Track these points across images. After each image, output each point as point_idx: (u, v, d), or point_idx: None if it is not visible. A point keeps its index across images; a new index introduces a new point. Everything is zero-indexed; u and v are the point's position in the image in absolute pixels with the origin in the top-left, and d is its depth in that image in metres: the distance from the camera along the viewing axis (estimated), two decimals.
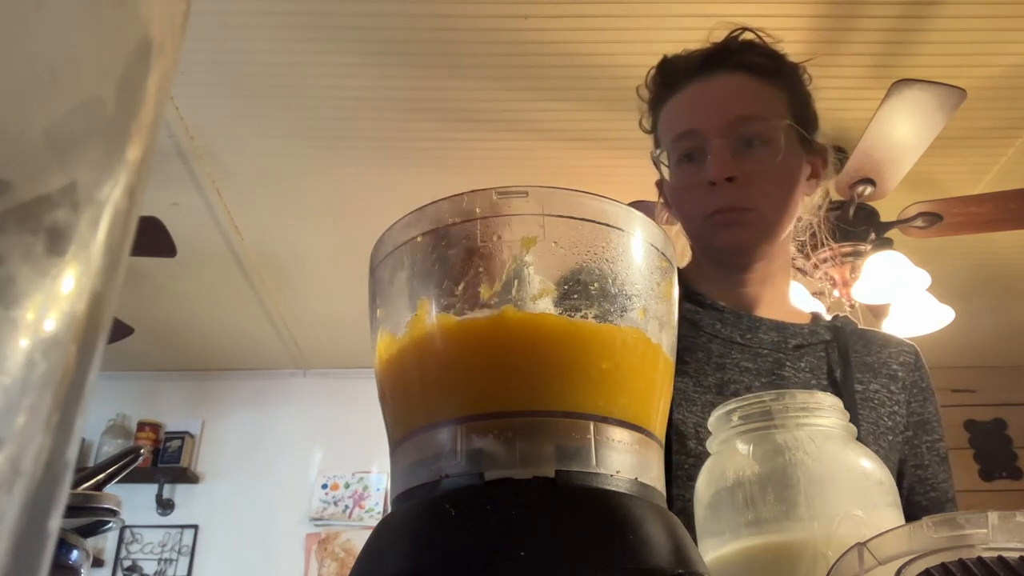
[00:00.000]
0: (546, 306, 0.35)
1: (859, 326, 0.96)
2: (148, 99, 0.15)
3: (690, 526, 0.43)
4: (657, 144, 0.95)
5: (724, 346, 0.88)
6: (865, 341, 0.93)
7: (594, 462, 0.32)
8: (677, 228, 0.95)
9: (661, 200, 0.98)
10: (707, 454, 0.80)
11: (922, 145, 2.01)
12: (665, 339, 0.38)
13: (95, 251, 0.13)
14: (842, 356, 0.89)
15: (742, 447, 0.48)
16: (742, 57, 0.88)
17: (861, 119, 2.08)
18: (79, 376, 0.13)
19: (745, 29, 0.91)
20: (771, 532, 0.44)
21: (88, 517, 0.52)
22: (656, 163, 0.95)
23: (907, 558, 0.31)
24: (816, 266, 2.32)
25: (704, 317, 0.90)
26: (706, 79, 0.88)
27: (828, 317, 0.98)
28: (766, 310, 0.93)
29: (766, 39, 0.91)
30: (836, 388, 0.87)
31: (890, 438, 0.86)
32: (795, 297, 1.02)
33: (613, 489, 0.32)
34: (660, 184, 0.98)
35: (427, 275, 0.37)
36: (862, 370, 0.90)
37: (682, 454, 0.81)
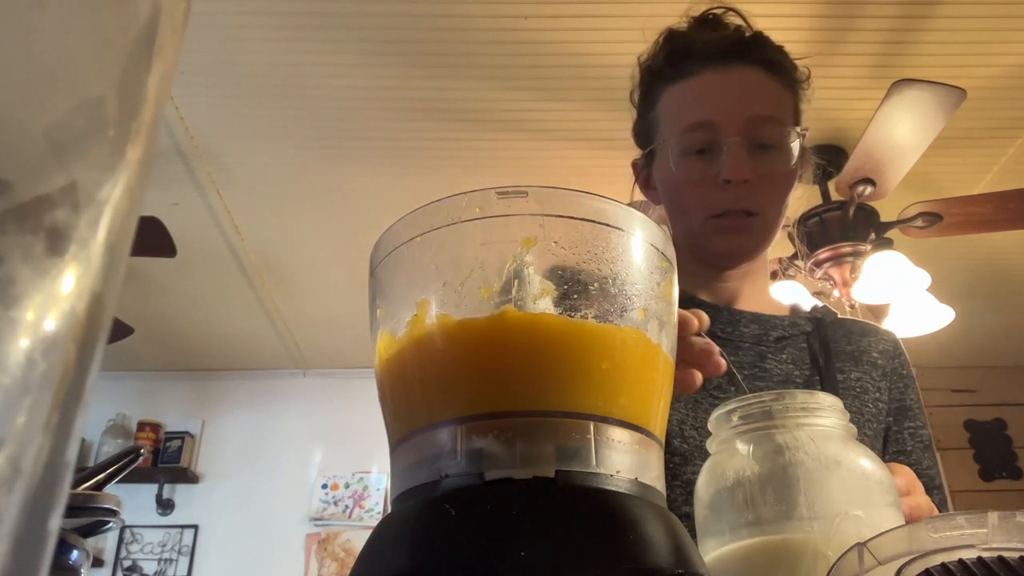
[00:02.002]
0: (546, 306, 0.35)
1: (838, 316, 0.96)
2: (148, 99, 0.15)
3: None
4: (650, 124, 0.91)
5: None
6: (845, 331, 0.93)
7: (594, 462, 0.32)
8: (656, 215, 0.93)
9: (636, 183, 0.96)
10: (691, 452, 0.81)
11: (922, 145, 2.01)
12: (665, 339, 0.38)
13: (95, 251, 0.13)
14: (823, 346, 0.89)
15: (742, 447, 0.48)
16: (760, 52, 0.86)
17: (861, 119, 2.08)
18: (79, 376, 0.13)
19: (728, 8, 0.89)
20: (771, 532, 0.44)
21: (88, 517, 0.52)
22: (641, 140, 0.93)
23: (907, 558, 0.31)
24: (816, 266, 2.32)
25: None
26: (723, 69, 0.85)
27: (807, 308, 0.98)
28: (746, 303, 0.92)
29: (748, 17, 0.90)
30: (820, 378, 0.87)
31: (874, 425, 0.86)
32: (779, 292, 1.02)
33: (613, 489, 0.32)
34: (639, 165, 0.95)
35: (427, 275, 0.37)
36: (843, 359, 0.89)
37: (667, 452, 0.80)
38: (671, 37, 0.90)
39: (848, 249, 2.28)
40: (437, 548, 0.30)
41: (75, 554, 0.49)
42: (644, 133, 0.93)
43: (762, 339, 0.89)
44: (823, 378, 0.86)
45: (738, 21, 0.89)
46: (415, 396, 0.36)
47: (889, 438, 0.87)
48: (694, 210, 0.87)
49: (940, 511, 0.83)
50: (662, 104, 0.89)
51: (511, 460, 0.31)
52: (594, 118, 2.25)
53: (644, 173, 0.94)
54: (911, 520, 0.56)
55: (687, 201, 0.87)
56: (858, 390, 0.87)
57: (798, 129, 0.86)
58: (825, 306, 0.98)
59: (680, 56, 0.88)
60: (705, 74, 0.86)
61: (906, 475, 0.64)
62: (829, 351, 0.88)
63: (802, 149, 0.91)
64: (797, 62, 0.90)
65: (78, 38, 0.13)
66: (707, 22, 0.90)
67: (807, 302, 1.12)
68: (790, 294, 2.39)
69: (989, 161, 2.52)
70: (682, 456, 0.80)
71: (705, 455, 0.81)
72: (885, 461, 0.85)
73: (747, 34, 0.88)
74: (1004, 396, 3.82)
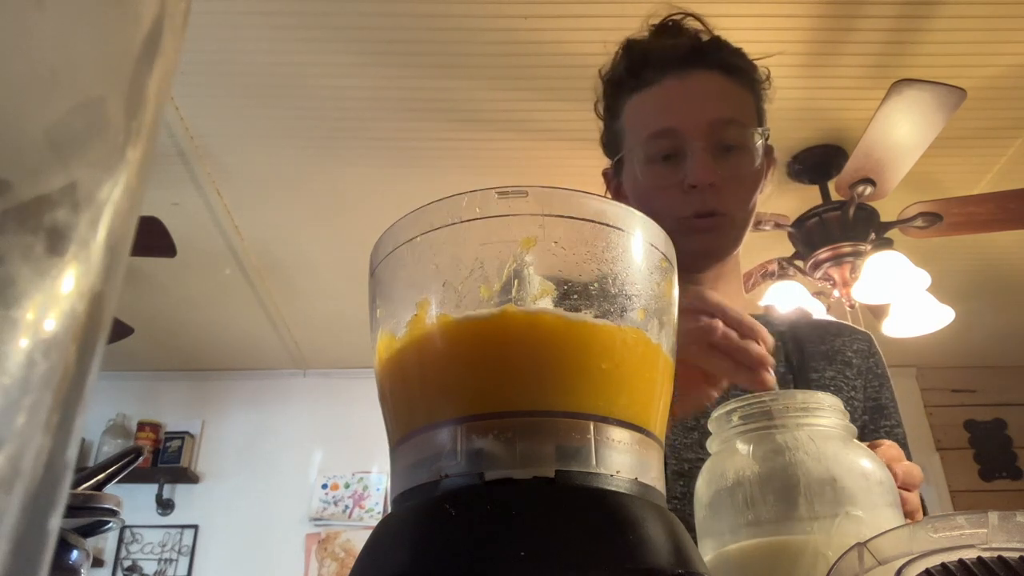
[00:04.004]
0: (546, 306, 0.35)
1: (812, 318, 0.97)
2: (148, 99, 0.15)
3: None
4: (616, 134, 0.93)
5: None
6: (819, 331, 0.95)
7: (594, 462, 0.32)
8: None
9: (608, 192, 0.97)
10: (672, 448, 0.81)
11: (922, 145, 2.01)
12: (665, 339, 0.38)
13: (95, 251, 0.13)
14: (797, 345, 0.90)
15: (742, 447, 0.48)
16: (717, 56, 0.88)
17: (861, 119, 2.08)
18: (79, 376, 0.13)
19: (688, 14, 0.91)
20: (771, 532, 0.44)
21: (88, 517, 0.52)
22: (609, 150, 0.94)
23: (907, 558, 0.31)
24: (816, 266, 2.32)
25: None
26: (682, 76, 0.87)
27: (782, 311, 0.99)
28: None
29: (709, 25, 0.91)
30: (793, 376, 0.88)
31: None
32: (778, 293, 1.04)
33: (613, 489, 0.32)
34: (610, 174, 0.97)
35: (427, 275, 0.37)
36: (817, 359, 0.91)
37: None
38: (629, 47, 0.92)
39: (848, 249, 2.28)
40: (437, 548, 0.30)
41: (75, 554, 0.49)
42: (611, 143, 0.96)
43: None
44: (796, 377, 0.88)
45: (696, 26, 0.91)
46: (415, 396, 0.36)
47: (865, 436, 0.88)
48: (663, 215, 0.88)
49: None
50: (626, 115, 0.91)
51: (511, 460, 0.31)
52: (593, 118, 2.25)
53: (615, 182, 0.96)
54: (907, 482, 0.60)
55: (656, 207, 0.89)
56: (832, 389, 0.88)
57: (760, 130, 0.88)
58: (800, 308, 0.99)
59: (639, 65, 0.89)
60: (665, 82, 0.87)
61: (893, 446, 0.66)
62: (803, 351, 0.90)
63: (767, 148, 0.92)
64: (757, 62, 0.91)
65: (78, 38, 0.13)
66: (666, 30, 0.91)
67: (800, 304, 1.12)
68: (789, 299, 2.39)
69: (989, 161, 2.52)
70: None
71: (679, 454, 0.81)
72: None
73: (705, 39, 0.89)
74: (1004, 396, 3.82)
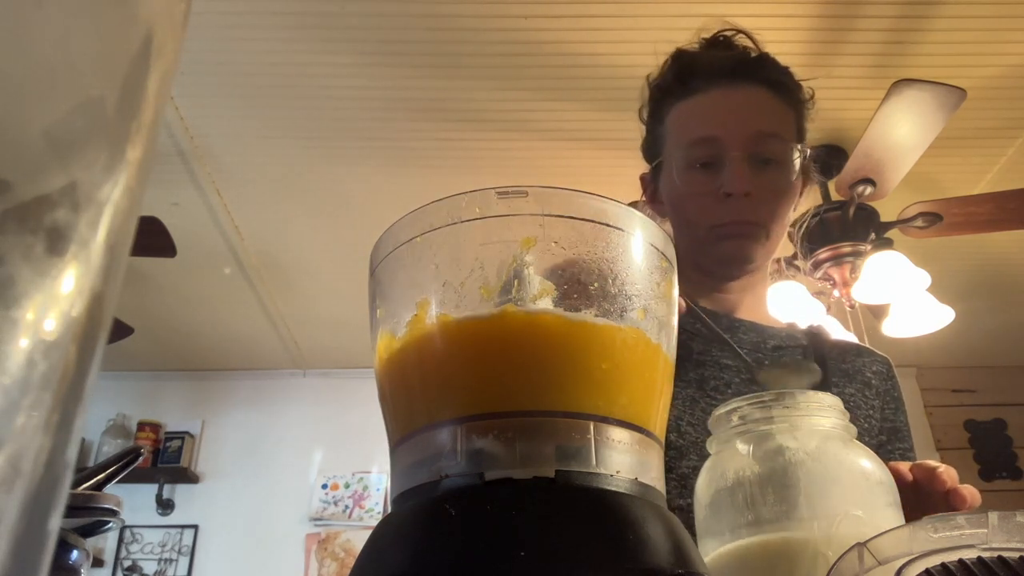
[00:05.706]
0: (546, 306, 0.35)
1: (831, 336, 0.99)
2: (148, 99, 0.15)
3: None
4: (657, 138, 0.94)
5: (704, 343, 0.89)
6: (840, 350, 0.96)
7: (594, 462, 0.32)
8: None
9: (644, 196, 0.98)
10: (687, 447, 0.82)
11: (922, 145, 2.01)
12: (665, 339, 0.38)
13: (95, 251, 0.13)
14: (818, 360, 0.91)
15: (742, 447, 0.48)
16: (765, 72, 0.89)
17: (861, 119, 2.08)
18: (79, 376, 0.13)
19: (739, 31, 0.92)
20: (771, 532, 0.44)
21: (88, 517, 0.52)
22: (649, 155, 0.95)
23: (907, 558, 0.31)
24: (816, 266, 2.32)
25: (684, 316, 0.91)
26: (729, 88, 0.88)
27: (803, 326, 1.00)
28: (744, 314, 0.94)
29: (757, 40, 0.93)
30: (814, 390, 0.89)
31: (866, 440, 0.88)
32: (776, 304, 1.05)
33: (613, 489, 0.32)
34: (647, 179, 0.98)
35: (427, 275, 0.37)
36: (837, 375, 0.91)
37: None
38: (679, 56, 0.93)
39: (848, 249, 2.28)
40: (437, 548, 0.30)
41: (75, 554, 0.49)
42: (652, 148, 0.96)
43: (760, 347, 0.91)
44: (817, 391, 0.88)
45: (746, 43, 0.92)
46: (415, 396, 0.36)
47: (880, 456, 0.89)
48: (697, 221, 0.89)
49: None
50: (670, 120, 0.92)
51: (511, 460, 0.31)
52: (594, 118, 2.25)
53: (652, 187, 0.97)
54: (972, 504, 0.64)
55: (690, 213, 0.90)
56: (851, 405, 0.89)
57: (799, 146, 0.89)
58: (820, 325, 1.00)
59: (688, 74, 0.90)
60: (711, 91, 0.88)
61: (952, 468, 0.68)
62: (825, 365, 0.90)
63: (805, 166, 0.93)
64: (801, 82, 0.92)
65: (78, 38, 0.13)
66: (717, 44, 0.93)
67: (805, 316, 1.13)
68: (789, 299, 2.39)
69: (989, 161, 2.52)
70: (677, 451, 0.82)
71: (700, 451, 0.82)
72: None
73: (753, 55, 0.91)
74: (1004, 396, 3.82)
